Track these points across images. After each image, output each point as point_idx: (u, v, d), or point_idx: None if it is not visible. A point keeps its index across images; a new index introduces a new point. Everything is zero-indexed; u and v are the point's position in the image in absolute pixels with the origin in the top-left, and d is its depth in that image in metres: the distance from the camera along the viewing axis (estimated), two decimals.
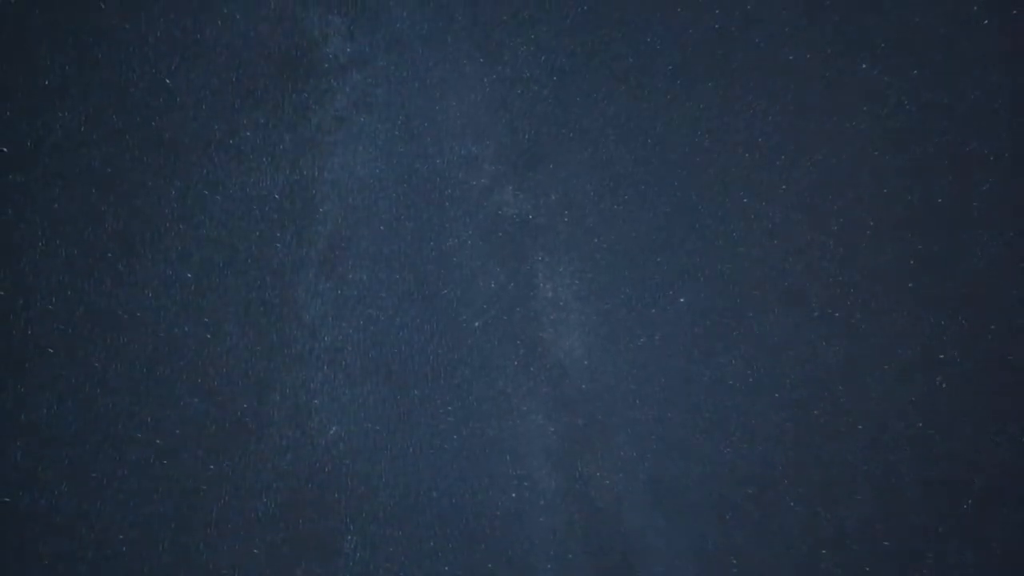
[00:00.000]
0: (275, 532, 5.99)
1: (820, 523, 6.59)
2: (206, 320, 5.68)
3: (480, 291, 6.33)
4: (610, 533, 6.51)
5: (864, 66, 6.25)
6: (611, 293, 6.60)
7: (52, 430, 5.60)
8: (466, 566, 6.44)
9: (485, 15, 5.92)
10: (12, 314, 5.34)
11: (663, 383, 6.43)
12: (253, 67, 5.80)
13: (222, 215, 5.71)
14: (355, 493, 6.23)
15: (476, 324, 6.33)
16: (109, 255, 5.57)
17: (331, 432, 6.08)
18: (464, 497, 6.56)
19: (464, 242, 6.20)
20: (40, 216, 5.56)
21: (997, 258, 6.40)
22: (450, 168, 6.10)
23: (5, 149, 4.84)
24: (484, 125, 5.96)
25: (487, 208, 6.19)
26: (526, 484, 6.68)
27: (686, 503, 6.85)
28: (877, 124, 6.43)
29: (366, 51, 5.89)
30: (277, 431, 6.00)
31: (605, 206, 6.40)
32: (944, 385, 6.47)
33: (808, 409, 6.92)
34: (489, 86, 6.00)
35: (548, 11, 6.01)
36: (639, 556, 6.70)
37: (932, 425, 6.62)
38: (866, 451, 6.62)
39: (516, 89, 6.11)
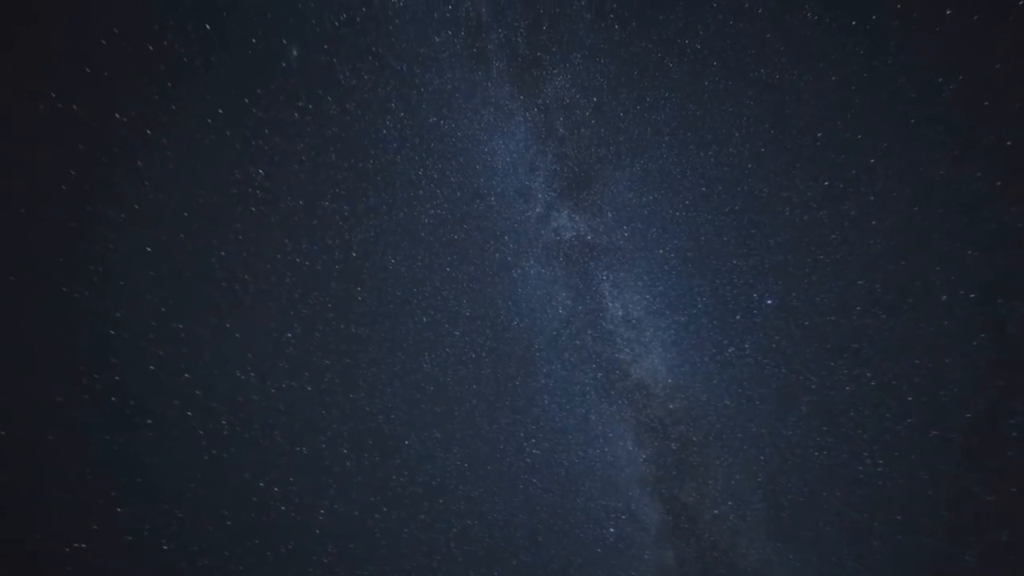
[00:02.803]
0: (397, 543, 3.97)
1: (967, 556, 2.65)
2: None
3: (549, 318, 3.28)
4: (727, 571, 2.85)
5: (951, 87, 2.80)
6: (686, 304, 3.17)
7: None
8: None
9: (521, 55, 3.22)
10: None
11: (766, 395, 2.71)
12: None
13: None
14: (450, 530, 3.27)
15: (550, 351, 3.18)
16: None
17: (426, 469, 3.25)
18: (560, 533, 3.13)
19: (527, 272, 3.30)
20: None
21: None
22: (505, 203, 3.37)
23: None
24: (532, 156, 3.49)
25: (545, 235, 3.38)
26: (624, 517, 3.14)
27: (813, 532, 2.83)
28: (959, 133, 2.86)
29: (423, 108, 3.39)
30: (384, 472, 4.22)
31: (665, 215, 3.18)
32: None
33: (949, 413, 2.73)
34: (532, 119, 3.38)
35: (580, 37, 3.12)
36: None
37: None
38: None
39: (558, 117, 3.38)
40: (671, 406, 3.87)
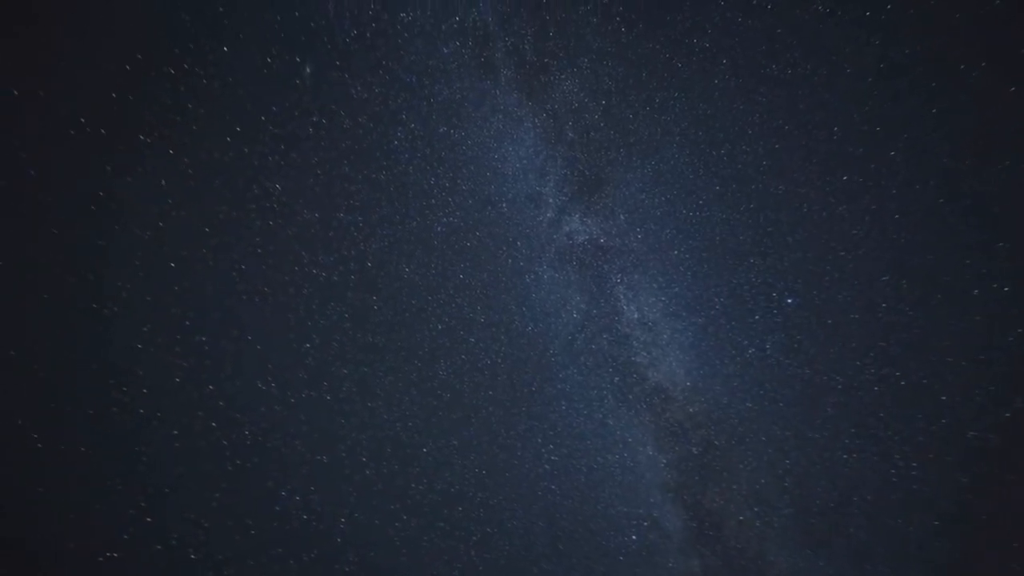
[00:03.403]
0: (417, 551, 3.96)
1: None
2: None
3: (564, 322, 3.19)
4: None
5: (974, 73, 2.63)
6: (704, 305, 3.03)
7: None
8: None
9: (528, 62, 3.19)
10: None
11: (789, 397, 2.55)
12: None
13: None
14: (469, 538, 3.18)
15: (565, 356, 3.08)
16: None
17: (445, 476, 3.19)
18: (581, 540, 3.00)
19: (540, 276, 3.22)
20: None
21: None
22: (516, 209, 3.31)
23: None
24: (542, 161, 3.43)
25: (558, 239, 3.30)
26: (646, 524, 2.99)
27: (845, 538, 2.62)
28: (984, 120, 2.65)
29: (433, 119, 3.39)
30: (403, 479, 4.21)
31: (679, 216, 3.06)
32: None
33: (986, 413, 2.50)
34: (541, 125, 3.31)
35: (587, 41, 3.06)
36: None
37: None
38: None
39: (568, 121, 3.27)
40: (691, 409, 3.72)
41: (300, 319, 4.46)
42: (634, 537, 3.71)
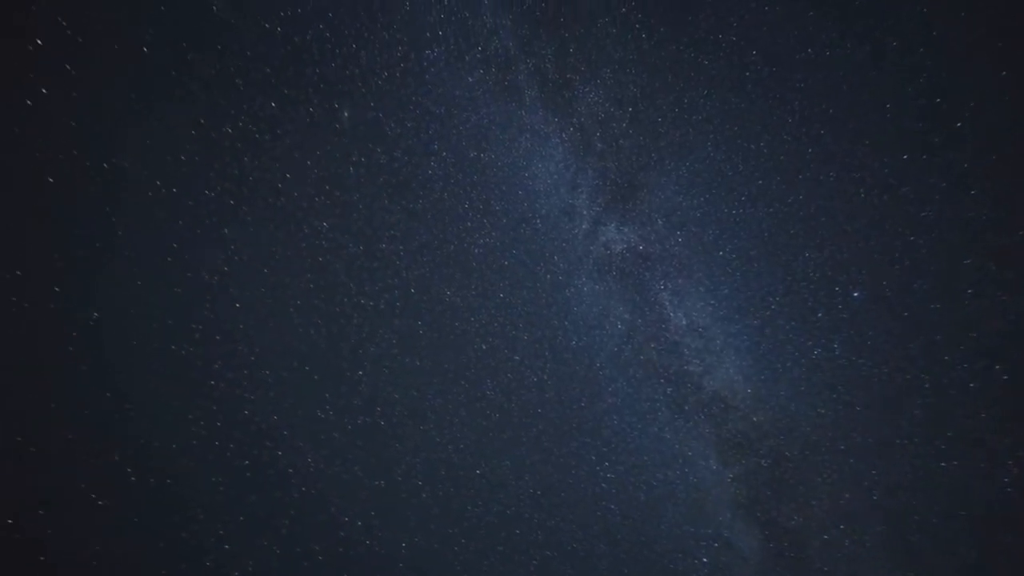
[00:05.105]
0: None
1: None
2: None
3: (608, 334, 2.93)
4: None
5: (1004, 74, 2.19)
6: (758, 306, 2.61)
7: None
8: None
9: (551, 80, 3.10)
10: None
11: (868, 400, 2.04)
12: None
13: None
14: (529, 562, 2.90)
15: (613, 369, 2.79)
16: None
17: (500, 498, 2.98)
18: (646, 564, 2.61)
19: (580, 289, 2.99)
20: None
21: None
22: (550, 224, 3.15)
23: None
24: (573, 174, 3.23)
25: (595, 251, 3.08)
26: (717, 545, 2.52)
27: (951, 558, 1.98)
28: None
29: (463, 145, 3.37)
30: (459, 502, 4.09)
31: (721, 215, 2.71)
32: None
33: None
34: (569, 139, 3.18)
35: (608, 52, 2.90)
36: None
37: None
38: None
39: (595, 132, 3.10)
40: (755, 419, 3.28)
41: (352, 348, 4.44)
42: (705, 560, 3.27)
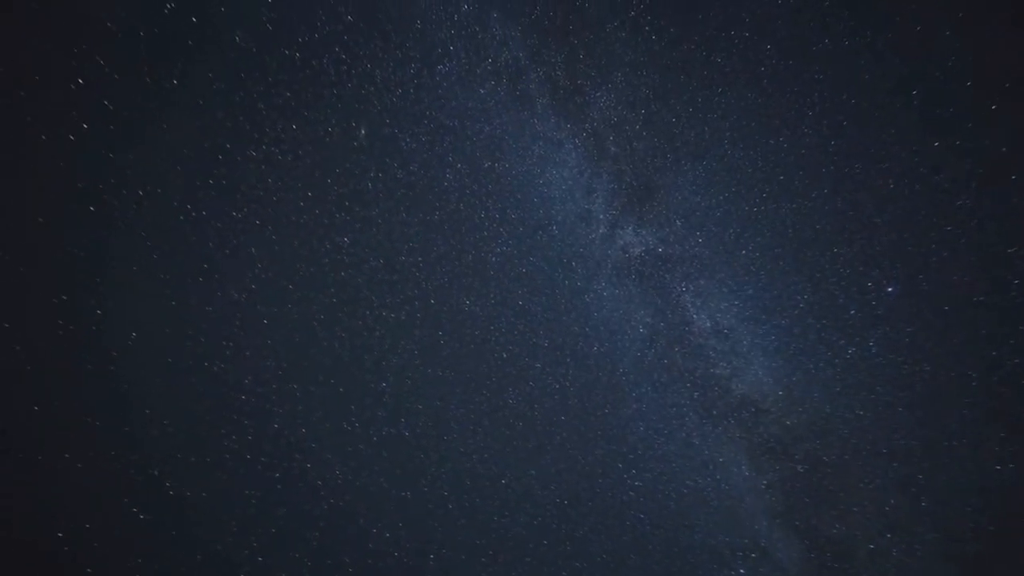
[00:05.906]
0: None
1: None
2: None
3: (630, 339, 2.84)
4: None
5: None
6: (785, 305, 2.48)
7: None
8: None
9: (562, 87, 3.10)
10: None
11: (909, 400, 1.88)
12: None
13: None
14: (559, 574, 2.83)
15: (636, 374, 2.71)
16: None
17: (526, 508, 2.94)
18: (682, 575, 2.49)
19: (600, 294, 2.93)
20: None
21: None
22: (567, 230, 3.11)
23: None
24: (588, 179, 3.20)
25: (613, 254, 3.02)
26: (754, 555, 2.37)
27: (1014, 570, 1.75)
28: None
29: (477, 156, 3.39)
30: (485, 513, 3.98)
31: (741, 213, 2.60)
32: None
33: None
34: (582, 144, 3.16)
35: (618, 56, 2.88)
36: None
37: None
38: None
39: (608, 136, 3.06)
40: (788, 422, 3.13)
41: (375, 360, 4.47)
42: (742, 571, 3.11)
